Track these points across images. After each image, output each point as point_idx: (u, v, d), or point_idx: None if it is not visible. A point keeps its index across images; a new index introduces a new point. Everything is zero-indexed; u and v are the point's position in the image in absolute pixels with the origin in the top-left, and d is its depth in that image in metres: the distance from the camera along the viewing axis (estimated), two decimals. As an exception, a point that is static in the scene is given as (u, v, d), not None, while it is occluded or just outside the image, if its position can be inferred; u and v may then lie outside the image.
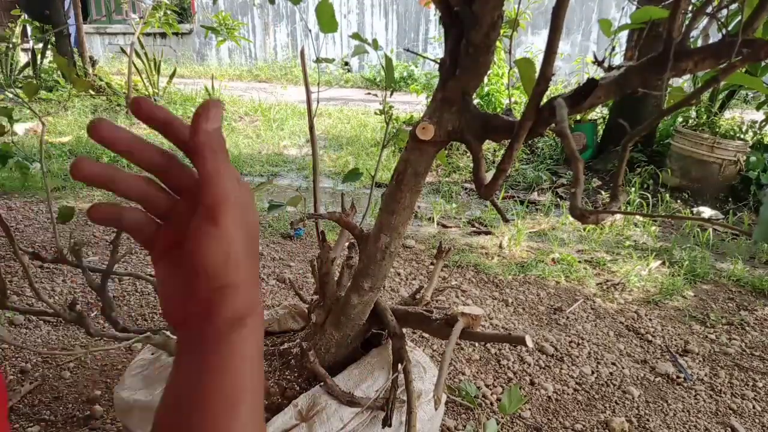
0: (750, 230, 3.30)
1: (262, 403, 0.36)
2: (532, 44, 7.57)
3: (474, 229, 3.21)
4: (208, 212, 0.31)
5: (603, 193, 3.82)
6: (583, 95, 0.77)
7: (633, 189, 3.74)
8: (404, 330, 1.14)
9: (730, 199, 3.79)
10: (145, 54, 6.12)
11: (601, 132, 4.73)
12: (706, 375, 1.89)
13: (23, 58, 6.72)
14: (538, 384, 1.79)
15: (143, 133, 5.15)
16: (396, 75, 8.60)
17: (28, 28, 6.12)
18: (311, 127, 1.22)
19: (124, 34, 10.55)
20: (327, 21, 1.09)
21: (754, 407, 1.74)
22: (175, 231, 0.35)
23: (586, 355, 1.97)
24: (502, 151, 3.46)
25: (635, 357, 1.99)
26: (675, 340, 2.11)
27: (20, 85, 5.86)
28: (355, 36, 1.18)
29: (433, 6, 6.96)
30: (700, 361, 1.98)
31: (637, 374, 1.88)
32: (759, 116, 4.34)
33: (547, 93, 0.76)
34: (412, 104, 6.09)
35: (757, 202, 3.63)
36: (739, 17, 0.79)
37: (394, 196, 0.96)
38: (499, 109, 4.71)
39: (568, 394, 1.76)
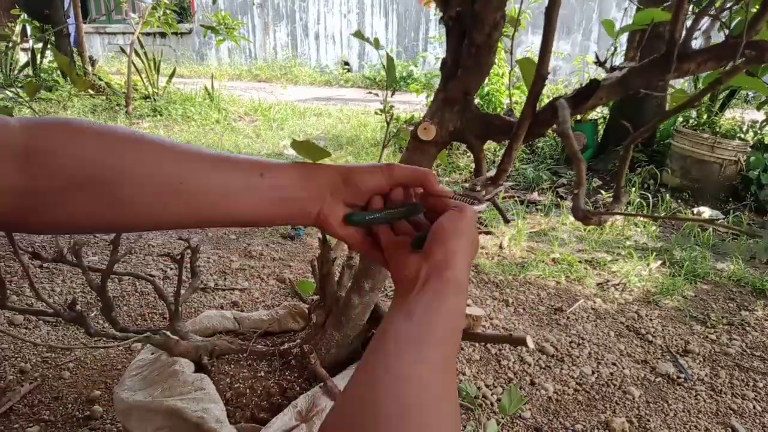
0: (750, 230, 3.30)
1: (453, 366, 0.41)
2: (532, 44, 7.56)
3: (474, 229, 3.21)
4: (456, 211, 0.50)
5: (603, 192, 3.82)
6: (585, 96, 0.77)
7: (633, 189, 3.74)
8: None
9: (730, 199, 3.79)
10: (145, 53, 6.11)
11: (601, 132, 4.72)
12: (706, 375, 1.89)
13: (23, 57, 6.72)
14: (538, 384, 1.79)
15: (145, 127, 5.14)
16: (395, 74, 8.58)
17: (28, 28, 6.11)
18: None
19: (124, 33, 10.54)
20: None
21: (754, 407, 1.74)
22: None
23: (587, 356, 1.97)
24: (503, 151, 3.45)
25: (636, 357, 1.99)
26: (675, 340, 2.11)
27: (20, 84, 5.85)
28: (357, 35, 1.17)
29: (433, 6, 6.94)
30: (700, 361, 1.98)
31: (638, 374, 1.88)
32: (759, 116, 4.34)
33: (549, 93, 0.76)
34: (412, 104, 6.09)
35: (757, 202, 3.63)
36: (741, 17, 0.79)
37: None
38: (499, 109, 4.70)
39: (568, 394, 1.76)
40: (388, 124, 1.26)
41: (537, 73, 0.70)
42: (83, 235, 2.72)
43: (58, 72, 6.19)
